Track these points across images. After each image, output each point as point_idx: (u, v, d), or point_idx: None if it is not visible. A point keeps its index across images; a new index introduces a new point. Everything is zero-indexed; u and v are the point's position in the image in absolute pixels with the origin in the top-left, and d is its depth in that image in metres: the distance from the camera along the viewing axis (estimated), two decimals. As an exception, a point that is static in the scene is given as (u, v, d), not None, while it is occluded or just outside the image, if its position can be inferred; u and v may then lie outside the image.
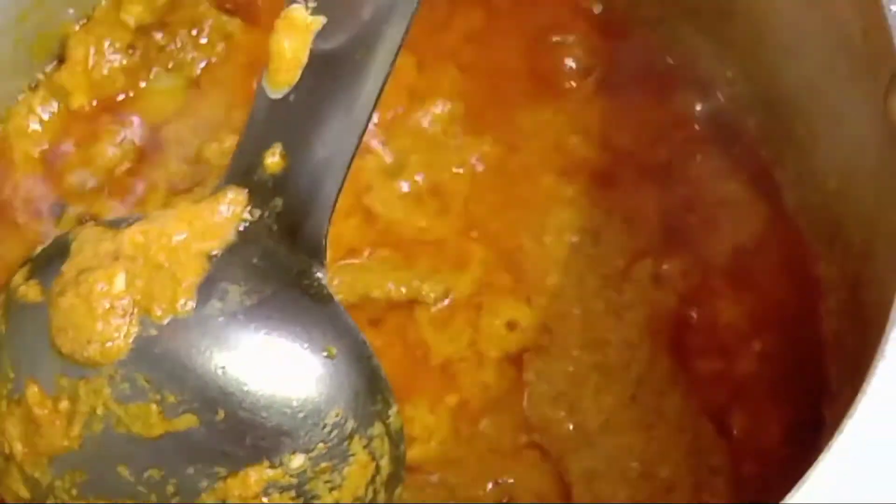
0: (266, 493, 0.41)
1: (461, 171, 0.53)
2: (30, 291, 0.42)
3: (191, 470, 0.41)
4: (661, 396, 0.49)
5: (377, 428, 0.43)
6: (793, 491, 0.35)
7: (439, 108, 0.54)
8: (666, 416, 0.49)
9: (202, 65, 0.54)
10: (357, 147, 0.43)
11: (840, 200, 0.49)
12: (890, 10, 0.40)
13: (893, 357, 0.36)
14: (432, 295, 0.51)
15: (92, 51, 0.53)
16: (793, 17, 0.48)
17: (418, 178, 0.53)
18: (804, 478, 0.35)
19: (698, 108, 0.54)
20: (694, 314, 0.51)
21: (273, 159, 0.44)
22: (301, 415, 0.41)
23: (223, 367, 0.41)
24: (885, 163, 0.44)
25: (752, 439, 0.49)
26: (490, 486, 0.48)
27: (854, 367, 0.47)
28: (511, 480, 0.48)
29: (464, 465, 0.49)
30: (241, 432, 0.41)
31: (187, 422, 0.41)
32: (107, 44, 0.53)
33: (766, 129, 0.53)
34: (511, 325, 0.50)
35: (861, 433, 0.36)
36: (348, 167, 0.43)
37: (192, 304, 0.42)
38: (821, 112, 0.49)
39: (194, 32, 0.54)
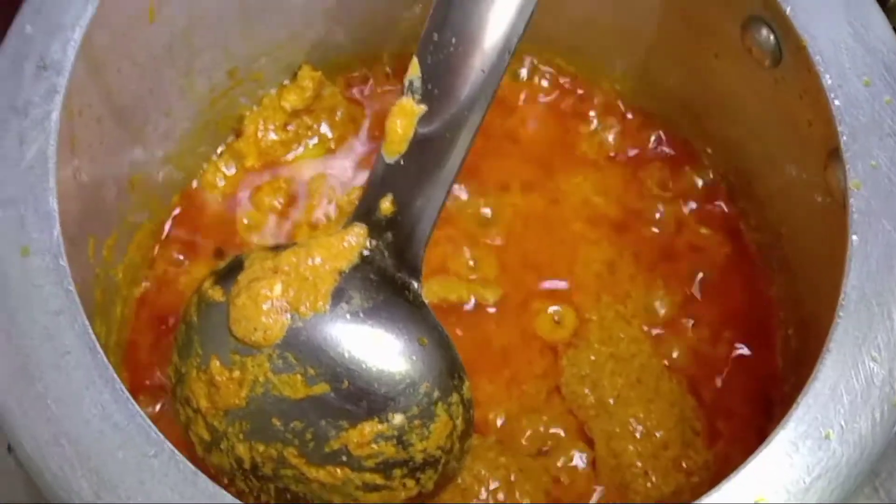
0: (375, 441, 0.41)
1: (517, 217, 0.52)
2: (215, 294, 0.42)
3: (323, 423, 0.41)
4: (658, 379, 0.48)
5: (455, 397, 0.42)
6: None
7: (504, 171, 0.53)
8: (662, 394, 0.48)
9: (336, 139, 0.54)
10: (445, 199, 0.43)
11: (789, 243, 0.48)
12: (834, 104, 0.39)
13: (835, 351, 0.36)
14: (492, 299, 0.50)
15: (260, 127, 0.53)
16: (757, 111, 0.47)
17: (488, 222, 0.52)
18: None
19: (687, 177, 0.53)
20: (679, 320, 0.50)
21: (386, 205, 0.43)
22: (401, 386, 0.41)
23: (348, 350, 0.41)
24: (823, 215, 0.43)
25: (722, 405, 0.48)
26: (530, 433, 0.48)
27: (797, 361, 0.47)
28: (552, 430, 0.48)
29: (513, 416, 0.48)
30: (359, 397, 0.41)
31: (322, 388, 0.40)
32: (270, 123, 0.53)
33: (734, 189, 0.52)
34: (551, 326, 0.50)
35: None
36: (439, 213, 0.43)
37: (327, 306, 0.41)
38: (776, 178, 0.48)
39: (331, 115, 0.54)
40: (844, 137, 0.39)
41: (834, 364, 0.35)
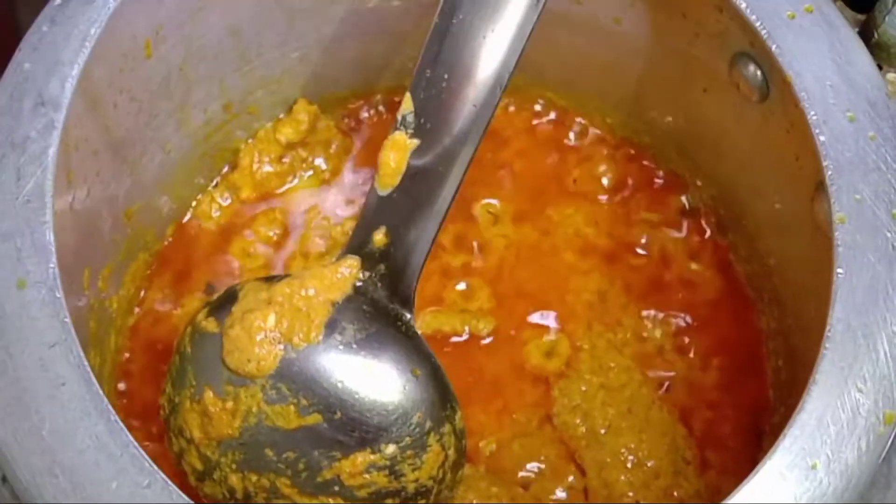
0: (367, 472, 0.41)
1: (509, 248, 0.52)
2: (209, 325, 0.42)
3: (316, 453, 0.41)
4: (648, 409, 0.49)
5: (447, 427, 0.42)
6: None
7: (496, 203, 0.54)
8: (653, 423, 0.48)
9: (331, 171, 0.54)
10: (438, 232, 0.44)
11: (778, 274, 0.49)
12: (819, 139, 0.40)
13: (821, 382, 0.36)
14: (485, 330, 0.50)
15: (256, 159, 0.53)
16: (746, 145, 0.48)
17: (480, 253, 0.52)
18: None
19: (677, 209, 0.54)
20: (670, 350, 0.50)
21: (379, 237, 0.44)
22: (394, 416, 0.41)
23: (341, 381, 0.41)
24: (810, 247, 0.43)
25: (713, 435, 0.48)
26: (522, 462, 0.48)
27: (787, 392, 0.47)
28: (543, 459, 0.48)
29: (505, 445, 0.48)
30: (352, 427, 0.41)
31: (315, 419, 0.41)
32: (265, 155, 0.53)
33: (723, 222, 0.53)
34: (543, 356, 0.50)
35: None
36: (431, 245, 0.44)
37: (320, 337, 0.41)
38: (765, 211, 0.48)
39: (326, 148, 0.54)
40: (829, 172, 0.39)
41: (820, 395, 0.36)
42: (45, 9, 0.41)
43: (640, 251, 0.53)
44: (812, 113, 0.40)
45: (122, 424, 0.35)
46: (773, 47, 0.41)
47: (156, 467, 0.34)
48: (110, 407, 0.35)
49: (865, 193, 0.39)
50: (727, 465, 0.47)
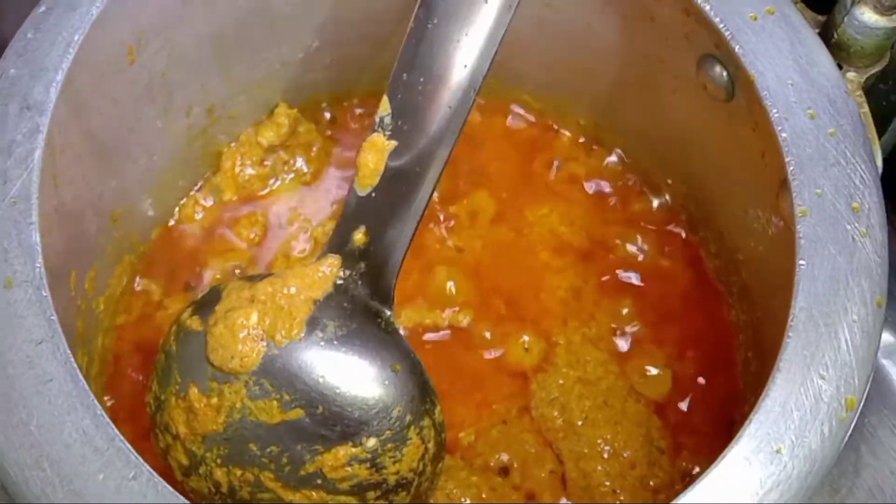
0: (349, 465, 0.41)
1: (486, 247, 0.53)
2: (193, 323, 0.43)
3: (299, 447, 0.41)
4: (624, 401, 0.49)
5: (426, 421, 0.43)
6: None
7: (473, 203, 0.54)
8: (628, 415, 0.49)
9: (311, 173, 0.55)
10: (415, 230, 0.44)
11: (746, 269, 0.49)
12: (781, 136, 0.41)
13: (785, 370, 0.37)
14: (464, 323, 0.51)
15: (238, 162, 0.54)
16: (714, 144, 0.49)
17: (457, 252, 0.53)
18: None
19: (648, 207, 0.55)
20: (644, 344, 0.51)
21: (359, 236, 0.44)
22: (374, 410, 0.42)
23: (323, 376, 0.41)
24: (777, 242, 0.44)
25: (686, 425, 0.49)
26: (500, 453, 0.48)
27: (757, 383, 0.47)
28: (522, 450, 0.48)
29: (484, 436, 0.49)
30: (333, 422, 0.41)
31: (297, 414, 0.41)
32: (247, 158, 0.54)
33: (694, 219, 0.53)
34: (521, 351, 0.50)
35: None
36: (410, 243, 0.44)
37: (302, 334, 0.42)
38: (733, 207, 0.49)
39: (307, 151, 0.55)
40: (791, 167, 0.40)
41: (784, 382, 0.37)
42: (30, 16, 0.42)
43: (613, 249, 0.53)
44: (774, 111, 0.41)
45: (108, 419, 0.35)
46: (737, 48, 0.42)
47: (141, 460, 0.35)
48: (96, 402, 0.36)
49: (826, 188, 0.40)
50: (700, 453, 0.48)
